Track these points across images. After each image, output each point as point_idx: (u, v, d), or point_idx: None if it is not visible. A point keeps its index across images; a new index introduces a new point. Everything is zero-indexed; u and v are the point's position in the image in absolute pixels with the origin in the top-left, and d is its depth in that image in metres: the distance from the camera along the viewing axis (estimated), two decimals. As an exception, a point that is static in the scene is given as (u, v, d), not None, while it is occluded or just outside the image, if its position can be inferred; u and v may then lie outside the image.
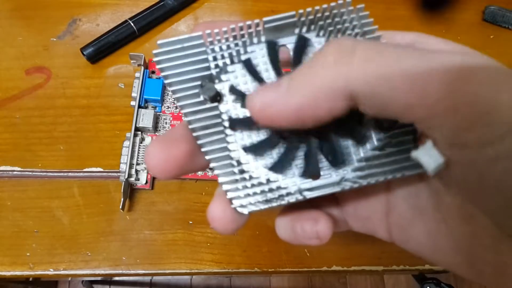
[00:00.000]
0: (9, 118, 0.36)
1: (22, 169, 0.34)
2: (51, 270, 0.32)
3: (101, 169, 0.35)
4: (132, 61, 0.37)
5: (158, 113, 0.36)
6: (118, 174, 0.34)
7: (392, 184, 0.16)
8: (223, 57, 0.15)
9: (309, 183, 0.15)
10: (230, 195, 0.15)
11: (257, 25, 0.14)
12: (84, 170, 0.35)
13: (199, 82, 0.14)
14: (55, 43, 0.39)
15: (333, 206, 0.18)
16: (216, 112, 0.15)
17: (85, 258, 0.32)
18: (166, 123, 0.36)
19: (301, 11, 0.14)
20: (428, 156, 0.13)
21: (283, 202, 0.15)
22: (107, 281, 0.92)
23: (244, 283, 0.97)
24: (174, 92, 0.14)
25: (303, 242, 0.16)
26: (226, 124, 0.15)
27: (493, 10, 0.43)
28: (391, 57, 0.12)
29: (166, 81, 0.14)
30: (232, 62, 0.15)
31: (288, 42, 0.15)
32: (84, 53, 0.37)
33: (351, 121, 0.15)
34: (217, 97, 0.14)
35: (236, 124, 0.15)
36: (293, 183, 0.15)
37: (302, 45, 0.15)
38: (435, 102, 0.11)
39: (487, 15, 0.43)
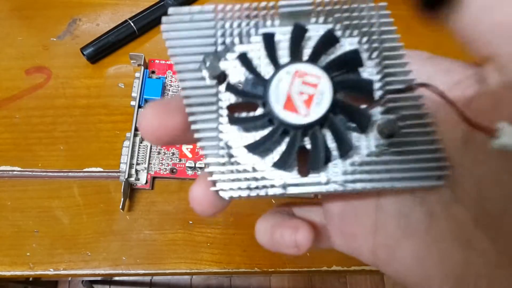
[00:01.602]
0: (9, 118, 0.36)
1: (22, 169, 0.34)
2: (51, 270, 0.32)
3: (101, 169, 0.35)
4: (132, 61, 0.37)
5: (158, 113, 0.36)
6: (118, 174, 0.34)
7: (382, 201, 0.15)
8: (231, 35, 0.14)
9: (295, 179, 0.14)
10: (214, 177, 0.14)
11: (272, 7, 0.14)
12: (84, 170, 0.35)
13: (202, 57, 0.14)
14: (55, 43, 0.39)
15: (318, 217, 0.17)
16: (214, 91, 0.14)
17: (85, 258, 0.32)
18: (166, 123, 0.36)
19: None
20: None
21: (263, 194, 0.14)
22: (107, 281, 0.92)
23: (244, 283, 0.97)
24: (176, 63, 0.14)
25: (280, 250, 0.16)
26: (223, 105, 0.14)
27: (493, 10, 0.43)
28: None
29: (169, 52, 0.14)
30: (241, 42, 0.14)
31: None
32: (84, 53, 0.37)
33: (355, 119, 0.14)
34: (221, 77, 0.14)
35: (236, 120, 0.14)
36: (279, 176, 0.14)
37: (299, 35, 0.14)
38: None
39: (487, 15, 0.43)
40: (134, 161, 0.34)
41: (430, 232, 0.14)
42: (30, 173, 0.34)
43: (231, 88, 0.14)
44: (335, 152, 0.14)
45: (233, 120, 0.14)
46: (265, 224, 0.17)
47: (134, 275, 0.33)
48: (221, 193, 0.14)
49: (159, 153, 0.35)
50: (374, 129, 0.14)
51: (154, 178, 0.35)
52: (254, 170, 0.14)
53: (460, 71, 0.14)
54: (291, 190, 0.14)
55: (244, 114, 0.14)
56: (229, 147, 0.14)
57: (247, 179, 0.14)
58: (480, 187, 0.13)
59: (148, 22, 0.39)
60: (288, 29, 0.14)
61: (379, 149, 0.14)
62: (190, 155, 0.35)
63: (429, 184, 0.14)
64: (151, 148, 0.35)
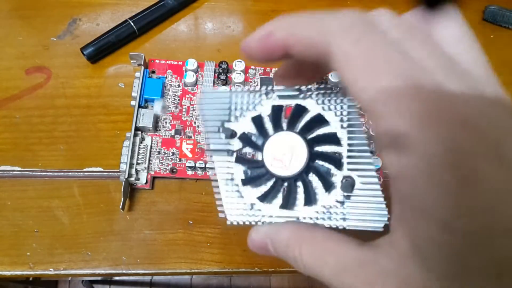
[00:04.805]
0: (9, 118, 0.36)
1: (22, 169, 0.34)
2: (51, 270, 0.32)
3: (101, 169, 0.35)
4: (132, 61, 0.37)
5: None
6: (118, 174, 0.34)
7: None
8: (241, 107, 0.19)
9: (281, 212, 0.19)
10: (224, 201, 0.19)
11: (271, 90, 0.19)
12: (84, 170, 0.35)
13: (219, 123, 0.20)
14: (55, 43, 0.39)
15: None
16: (227, 143, 0.20)
17: (85, 257, 0.32)
18: (166, 123, 0.36)
19: (304, 87, 0.18)
20: None
21: (256, 221, 0.19)
22: (107, 281, 0.93)
23: (244, 283, 0.97)
24: (205, 126, 0.20)
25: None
26: (233, 149, 0.19)
27: (493, 9, 0.43)
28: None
29: (201, 119, 0.20)
30: (249, 109, 0.19)
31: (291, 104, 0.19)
32: (84, 53, 0.37)
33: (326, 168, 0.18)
34: (231, 135, 0.19)
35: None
36: (269, 209, 0.19)
37: (279, 111, 0.19)
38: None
39: (487, 14, 0.43)
40: (134, 161, 0.34)
41: None
42: (30, 173, 0.34)
43: (241, 138, 0.19)
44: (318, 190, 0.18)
45: (246, 181, 0.19)
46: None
47: (134, 275, 0.33)
48: (227, 218, 0.19)
49: (159, 153, 0.35)
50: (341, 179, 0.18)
51: (154, 178, 0.35)
52: (252, 205, 0.19)
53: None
54: (276, 219, 0.19)
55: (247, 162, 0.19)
56: (236, 184, 0.19)
57: (245, 210, 0.19)
58: None
59: (148, 22, 0.39)
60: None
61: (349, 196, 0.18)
62: (190, 155, 0.35)
63: (374, 226, 0.17)
64: (151, 148, 0.35)
